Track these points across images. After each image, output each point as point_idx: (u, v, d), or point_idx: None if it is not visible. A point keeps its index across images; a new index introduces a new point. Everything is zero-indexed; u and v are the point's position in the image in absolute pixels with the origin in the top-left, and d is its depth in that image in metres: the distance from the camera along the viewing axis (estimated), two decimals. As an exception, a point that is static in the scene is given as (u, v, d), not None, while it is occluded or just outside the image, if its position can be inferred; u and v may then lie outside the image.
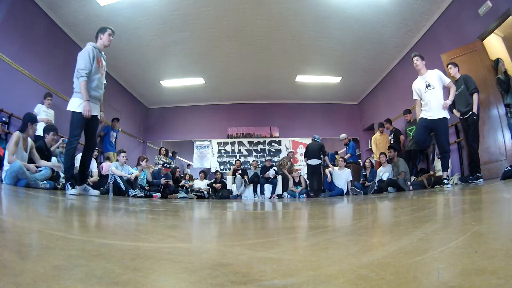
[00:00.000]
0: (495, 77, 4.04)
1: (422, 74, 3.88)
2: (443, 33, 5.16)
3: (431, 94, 3.74)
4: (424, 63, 3.88)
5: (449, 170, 4.66)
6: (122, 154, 5.12)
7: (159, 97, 9.14)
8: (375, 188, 5.52)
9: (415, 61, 3.87)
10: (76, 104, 2.96)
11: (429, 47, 5.39)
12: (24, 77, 4.66)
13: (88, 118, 2.95)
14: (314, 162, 6.52)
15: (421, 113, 3.84)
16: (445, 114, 3.69)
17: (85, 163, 3.29)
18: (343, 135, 7.89)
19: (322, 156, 6.57)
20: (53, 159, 4.31)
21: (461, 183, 4.10)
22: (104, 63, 3.24)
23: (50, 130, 4.13)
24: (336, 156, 8.19)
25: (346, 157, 7.31)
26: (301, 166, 8.53)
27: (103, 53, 3.23)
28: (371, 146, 7.29)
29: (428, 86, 3.76)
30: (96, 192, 3.48)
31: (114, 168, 4.79)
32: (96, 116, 3.13)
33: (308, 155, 6.64)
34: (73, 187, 2.97)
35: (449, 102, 3.67)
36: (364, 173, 6.34)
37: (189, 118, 9.71)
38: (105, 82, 3.32)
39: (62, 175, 4.16)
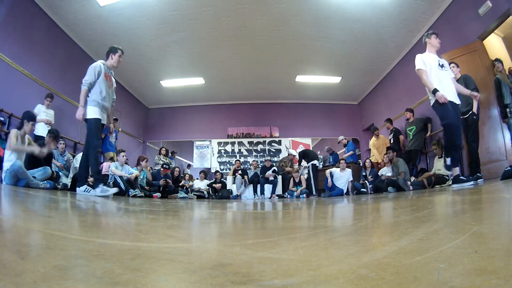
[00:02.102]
0: (494, 77, 4.01)
1: (434, 52, 3.58)
2: (443, 33, 5.13)
3: (446, 76, 3.43)
4: None
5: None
6: (122, 154, 5.12)
7: (159, 97, 9.14)
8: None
9: (438, 39, 3.61)
10: (92, 111, 3.21)
11: (429, 47, 5.38)
12: (24, 77, 4.67)
13: (79, 122, 3.22)
14: (317, 163, 7.39)
15: (440, 92, 3.22)
16: (459, 101, 3.41)
17: (85, 164, 3.40)
18: (341, 137, 7.98)
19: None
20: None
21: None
22: (113, 79, 3.54)
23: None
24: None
25: (345, 156, 7.38)
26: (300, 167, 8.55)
27: (111, 71, 3.49)
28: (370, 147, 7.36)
29: (442, 66, 3.48)
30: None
31: (114, 168, 4.79)
32: (104, 124, 3.39)
33: (311, 157, 7.32)
34: (107, 186, 3.22)
35: (477, 94, 3.46)
36: (364, 173, 6.35)
37: (189, 118, 9.71)
38: (115, 97, 3.62)
39: (62, 174, 4.19)
